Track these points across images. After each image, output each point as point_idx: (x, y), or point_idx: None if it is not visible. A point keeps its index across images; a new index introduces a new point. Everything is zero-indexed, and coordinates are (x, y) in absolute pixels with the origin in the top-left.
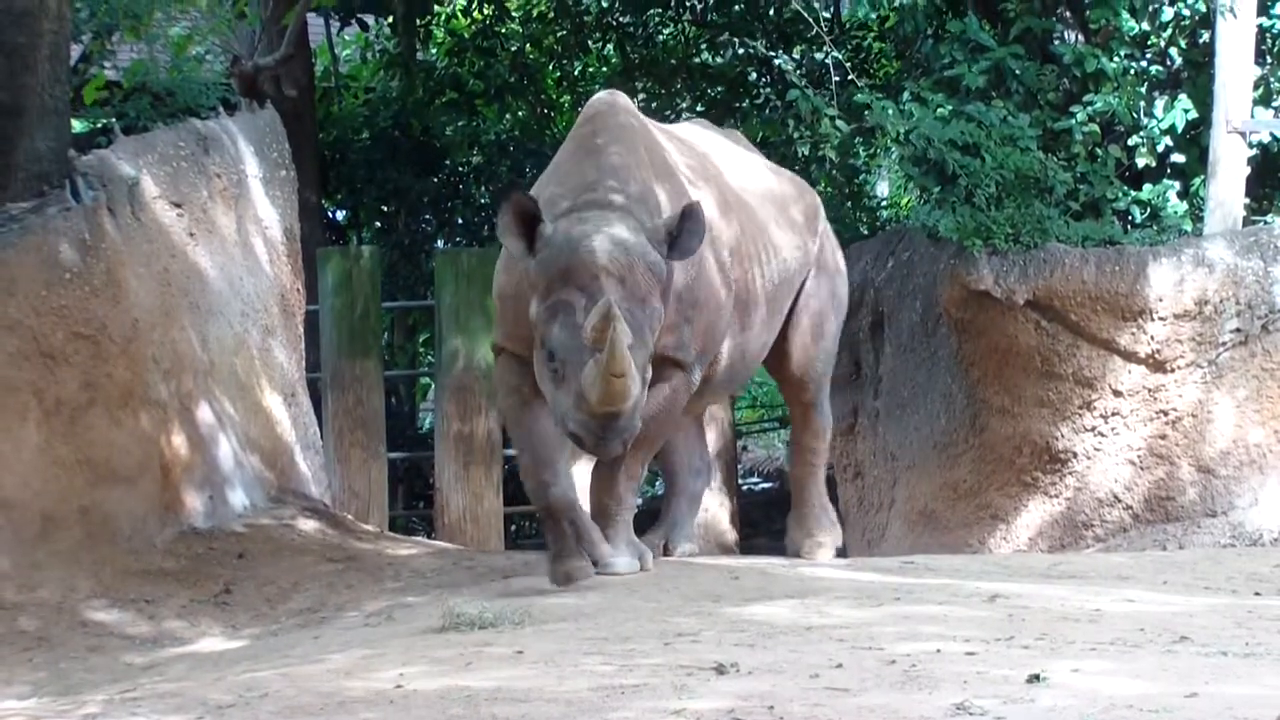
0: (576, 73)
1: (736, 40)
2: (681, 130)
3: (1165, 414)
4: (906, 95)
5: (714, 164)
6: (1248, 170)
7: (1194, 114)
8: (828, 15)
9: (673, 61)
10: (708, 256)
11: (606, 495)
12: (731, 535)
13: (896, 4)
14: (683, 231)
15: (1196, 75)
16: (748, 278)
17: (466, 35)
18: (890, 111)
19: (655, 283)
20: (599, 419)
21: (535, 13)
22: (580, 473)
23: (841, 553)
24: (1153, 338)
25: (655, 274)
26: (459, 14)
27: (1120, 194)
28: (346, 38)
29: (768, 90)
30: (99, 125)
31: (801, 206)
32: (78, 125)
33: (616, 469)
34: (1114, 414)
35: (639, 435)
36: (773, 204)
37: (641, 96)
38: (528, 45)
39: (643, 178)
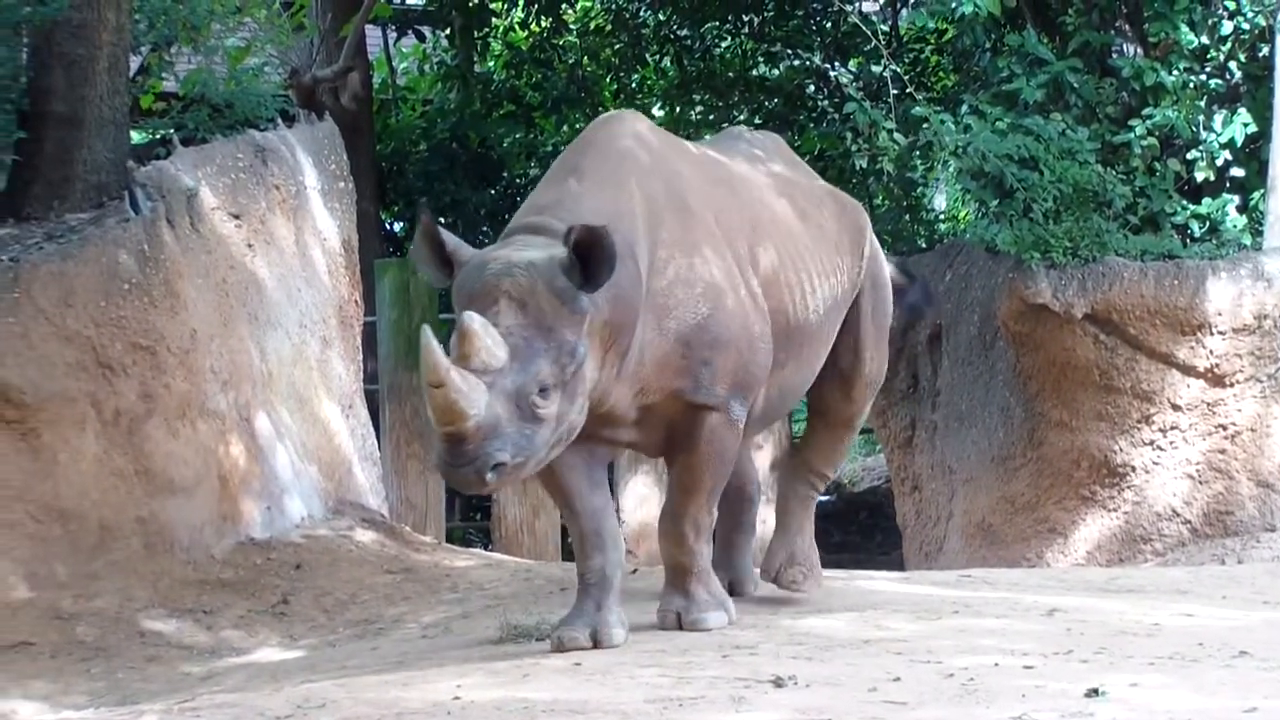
0: (634, 85)
1: (794, 53)
2: (718, 147)
3: (1224, 428)
4: (964, 108)
5: (749, 187)
6: None
7: (1253, 128)
8: (885, 28)
9: (730, 74)
10: (726, 290)
11: (678, 550)
12: None
13: (954, 17)
14: (580, 260)
15: (1256, 89)
16: (787, 308)
17: (524, 47)
18: (948, 125)
19: (567, 313)
20: (443, 442)
21: (593, 25)
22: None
23: (899, 565)
24: (1211, 352)
25: (566, 303)
26: (516, 26)
27: (1179, 208)
28: (404, 49)
29: (825, 103)
30: (158, 136)
31: (847, 225)
32: (136, 136)
33: (680, 522)
34: (1172, 428)
35: (690, 481)
36: (816, 226)
37: (699, 109)
38: (585, 58)
39: (610, 208)
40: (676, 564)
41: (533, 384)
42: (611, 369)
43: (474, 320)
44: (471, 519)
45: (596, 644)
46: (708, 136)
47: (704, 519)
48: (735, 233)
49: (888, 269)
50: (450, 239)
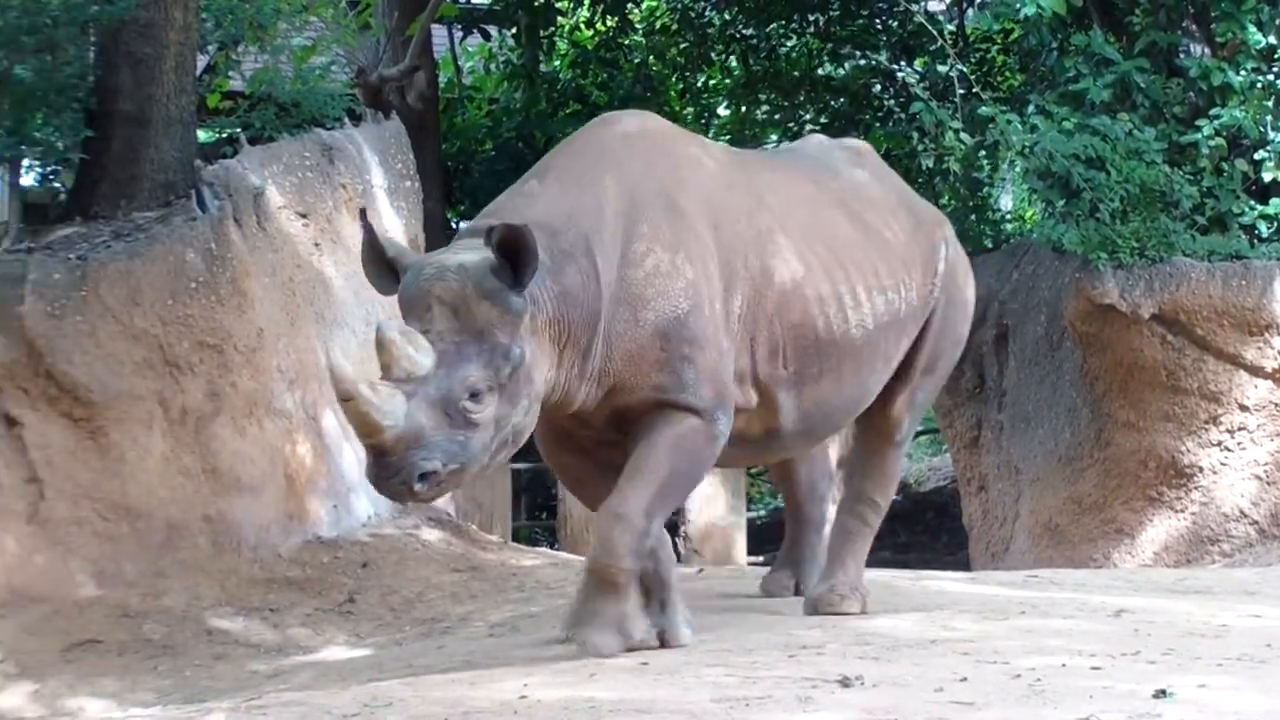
0: (699, 85)
1: (860, 53)
2: (775, 154)
3: None
4: (1031, 108)
5: (784, 196)
6: None
7: None
8: (952, 27)
9: (795, 74)
10: (704, 289)
11: (602, 549)
12: None
13: (1021, 17)
14: (508, 260)
15: None
16: (815, 321)
17: (589, 47)
18: (1014, 124)
19: (499, 314)
20: (368, 453)
21: (658, 24)
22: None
23: (965, 565)
24: (1279, 352)
25: (497, 304)
26: (582, 25)
27: (1246, 208)
28: (470, 49)
29: (891, 103)
30: (224, 135)
31: (921, 240)
32: (203, 135)
33: (615, 523)
34: (1240, 429)
35: (640, 473)
36: (879, 239)
37: (764, 109)
38: (651, 57)
39: (564, 207)
40: (592, 563)
41: (461, 389)
42: (571, 367)
43: (390, 330)
44: (537, 518)
45: (664, 643)
46: (773, 137)
47: (640, 521)
48: (739, 244)
49: (971, 290)
50: (391, 246)
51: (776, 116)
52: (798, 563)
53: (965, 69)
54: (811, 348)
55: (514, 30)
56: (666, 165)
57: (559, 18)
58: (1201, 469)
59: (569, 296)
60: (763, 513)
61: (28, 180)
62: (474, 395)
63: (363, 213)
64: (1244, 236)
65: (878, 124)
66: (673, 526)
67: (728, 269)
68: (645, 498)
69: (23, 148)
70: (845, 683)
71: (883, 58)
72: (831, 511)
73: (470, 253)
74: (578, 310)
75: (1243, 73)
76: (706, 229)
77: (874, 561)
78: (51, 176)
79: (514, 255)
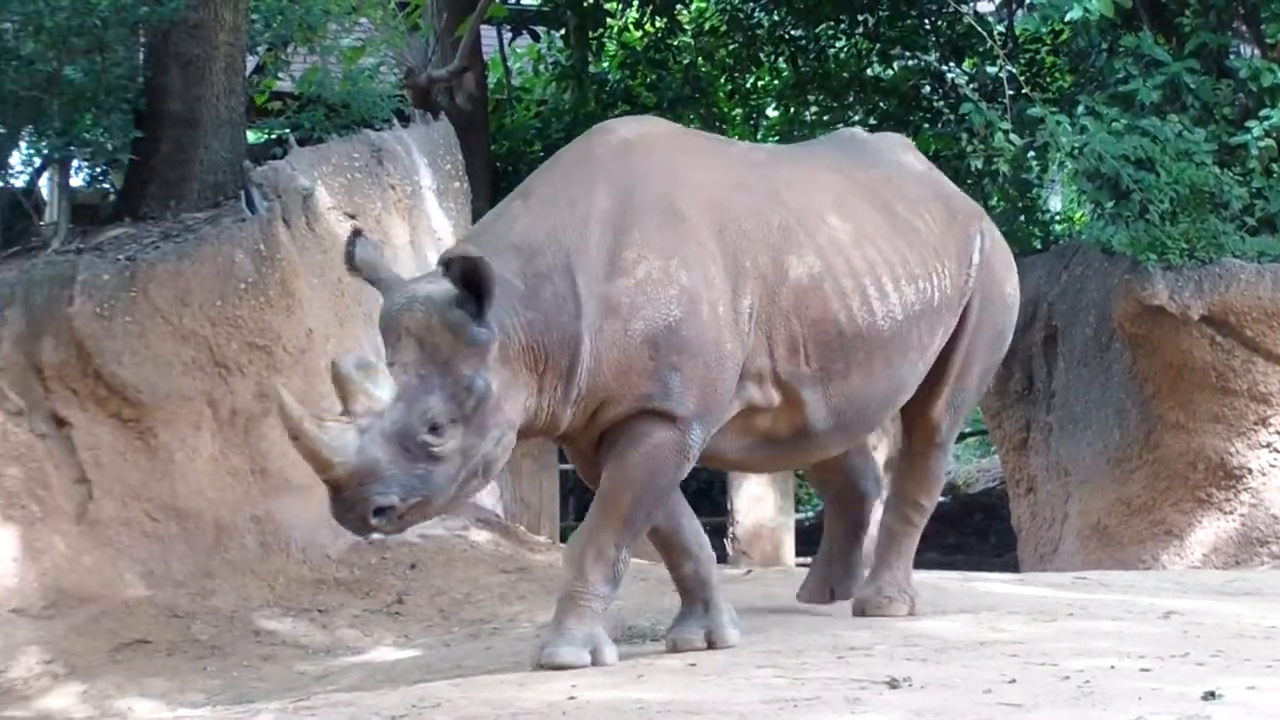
0: (748, 86)
1: (909, 53)
2: (799, 148)
3: None
4: (1081, 109)
5: (803, 191)
6: None
7: None
8: (1001, 28)
9: (845, 75)
10: (702, 300)
11: (571, 575)
12: None
13: (1070, 18)
14: (471, 291)
15: None
16: (837, 315)
17: (639, 48)
18: (1064, 125)
19: (462, 346)
20: (326, 487)
21: (707, 26)
22: None
23: (1014, 567)
24: None
25: (460, 336)
26: (631, 26)
27: None
28: (519, 50)
29: (940, 103)
30: (274, 136)
31: (956, 231)
32: (252, 136)
33: (583, 546)
34: None
35: (610, 499)
36: (909, 230)
37: (813, 110)
38: (699, 58)
39: (545, 228)
40: (564, 589)
41: (419, 423)
42: (555, 390)
43: (347, 364)
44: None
45: (711, 644)
46: (820, 136)
47: (610, 550)
48: (746, 243)
49: (1012, 285)
50: (371, 269)
51: (825, 118)
52: (836, 563)
53: (1015, 70)
54: (834, 343)
55: (563, 31)
56: (665, 169)
57: (608, 19)
58: (1251, 470)
59: (544, 321)
60: (810, 514)
61: (77, 181)
62: (434, 428)
63: (353, 233)
64: None
65: (926, 125)
66: (720, 528)
67: (735, 269)
68: (616, 529)
69: (72, 148)
70: (893, 684)
71: (932, 58)
72: (878, 514)
73: (438, 283)
74: (554, 334)
75: None
76: (709, 231)
77: (921, 563)
78: (101, 177)
79: (475, 287)
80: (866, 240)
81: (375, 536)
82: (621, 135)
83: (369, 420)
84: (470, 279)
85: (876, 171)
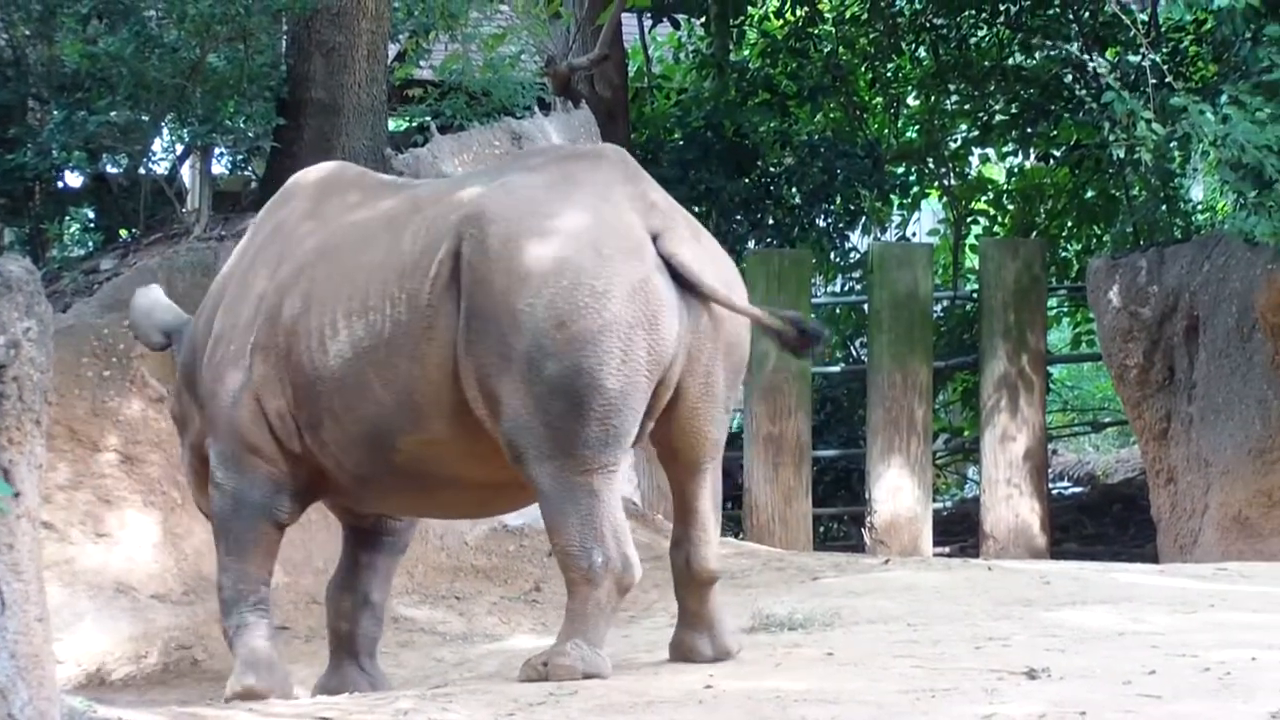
0: (889, 74)
1: (1050, 43)
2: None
3: None
4: (1224, 99)
5: (328, 228)
6: None
7: None
8: (1144, 18)
9: (986, 64)
10: (221, 340)
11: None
12: (1042, 540)
13: (1214, 7)
14: None
15: None
16: (302, 359)
17: (779, 36)
18: (1206, 115)
19: (178, 368)
20: None
21: (848, 14)
22: None
23: (1153, 558)
24: None
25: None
26: (771, 15)
27: None
28: (659, 38)
29: (1082, 93)
30: (415, 124)
31: (431, 241)
32: (394, 124)
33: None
34: None
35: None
36: (380, 253)
37: (954, 99)
38: (840, 47)
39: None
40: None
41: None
42: None
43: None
44: (723, 508)
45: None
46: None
47: (224, 577)
48: (269, 286)
49: (533, 298)
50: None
51: (966, 106)
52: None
53: (1157, 59)
54: (306, 388)
55: (703, 19)
56: (293, 224)
57: (749, 7)
58: None
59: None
60: (949, 504)
61: (219, 168)
62: None
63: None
64: None
65: (1068, 114)
66: (859, 517)
67: (265, 310)
68: (218, 552)
69: (215, 135)
70: (1032, 674)
71: (1074, 48)
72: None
73: None
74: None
75: None
76: (260, 277)
77: (1059, 554)
78: (242, 164)
79: None
80: (345, 275)
81: (514, 523)
82: (290, 189)
83: None
84: None
85: (451, 189)
